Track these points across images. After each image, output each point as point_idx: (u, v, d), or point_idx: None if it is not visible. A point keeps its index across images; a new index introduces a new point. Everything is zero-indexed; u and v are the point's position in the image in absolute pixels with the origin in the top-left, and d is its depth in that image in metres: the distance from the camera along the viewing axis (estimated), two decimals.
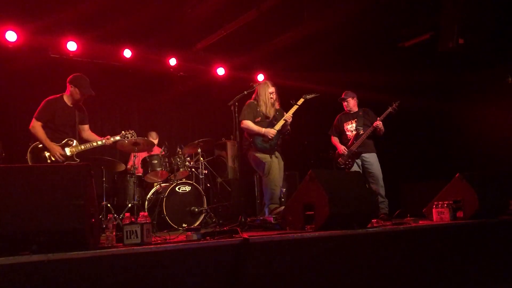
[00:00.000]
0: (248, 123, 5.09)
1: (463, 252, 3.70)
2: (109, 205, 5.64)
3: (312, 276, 2.92)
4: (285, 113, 5.22)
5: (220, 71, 8.32)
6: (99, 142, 4.72)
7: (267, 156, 5.06)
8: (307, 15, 6.67)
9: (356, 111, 5.90)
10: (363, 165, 5.70)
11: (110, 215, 2.94)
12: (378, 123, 5.60)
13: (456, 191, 4.25)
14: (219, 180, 7.27)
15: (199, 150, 6.52)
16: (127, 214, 2.93)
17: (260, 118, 5.16)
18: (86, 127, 4.87)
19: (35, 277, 2.09)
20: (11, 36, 6.30)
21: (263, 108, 5.16)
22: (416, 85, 6.65)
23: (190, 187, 5.89)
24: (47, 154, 4.46)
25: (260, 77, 8.13)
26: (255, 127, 5.07)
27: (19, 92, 6.60)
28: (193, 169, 6.46)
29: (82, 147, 4.64)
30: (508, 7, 5.48)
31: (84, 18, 6.35)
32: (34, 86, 6.71)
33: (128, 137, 5.05)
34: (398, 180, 6.55)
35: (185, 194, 5.82)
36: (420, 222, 3.98)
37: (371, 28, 6.72)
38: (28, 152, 4.42)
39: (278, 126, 5.13)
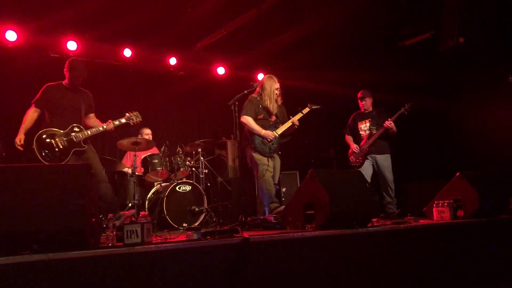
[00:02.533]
0: (249, 120, 5.05)
1: (463, 251, 3.70)
2: None
3: (312, 275, 2.92)
4: (291, 116, 5.22)
5: (220, 70, 8.33)
6: (100, 128, 4.61)
7: (264, 158, 5.03)
8: (307, 14, 6.67)
9: (371, 111, 6.03)
10: (376, 166, 5.87)
11: (110, 215, 2.94)
12: (389, 123, 5.72)
13: (456, 190, 4.25)
14: (219, 179, 7.27)
15: (200, 150, 6.52)
16: (128, 213, 2.92)
17: (262, 115, 5.13)
18: (92, 115, 4.78)
19: (35, 276, 2.09)
20: (11, 35, 6.30)
21: (267, 103, 5.11)
22: (416, 84, 6.65)
23: (190, 187, 5.89)
24: (53, 141, 4.37)
25: (260, 76, 8.14)
26: (256, 127, 5.04)
27: (19, 91, 6.59)
28: (193, 169, 6.46)
29: (89, 132, 4.53)
30: (509, 6, 5.47)
31: (84, 17, 6.35)
32: (34, 86, 6.67)
33: (133, 119, 4.86)
34: (398, 180, 6.55)
35: (185, 193, 5.82)
36: (421, 221, 3.98)
37: (371, 27, 6.72)
38: (34, 141, 4.32)
39: (280, 130, 5.11)
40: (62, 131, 4.44)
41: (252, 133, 5.06)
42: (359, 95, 6.09)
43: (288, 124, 5.14)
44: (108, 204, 4.45)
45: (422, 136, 6.74)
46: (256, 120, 5.09)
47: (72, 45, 6.75)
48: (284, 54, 7.56)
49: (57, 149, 4.36)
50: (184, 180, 5.99)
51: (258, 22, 6.75)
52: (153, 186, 6.14)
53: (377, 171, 5.85)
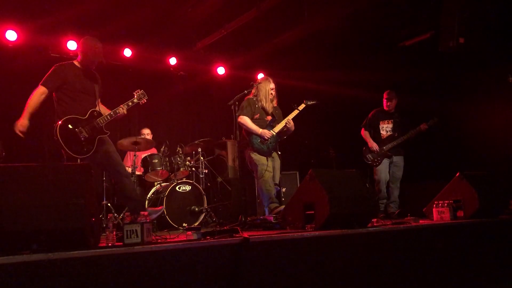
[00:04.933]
0: (246, 120, 5.08)
1: (463, 251, 3.70)
2: (109, 204, 5.65)
3: (312, 276, 2.92)
4: (282, 116, 5.24)
5: (220, 70, 8.33)
6: (117, 111, 4.17)
7: (263, 158, 5.04)
8: (307, 15, 6.68)
9: (393, 112, 6.08)
10: (390, 166, 5.97)
11: (110, 215, 2.94)
12: (424, 128, 5.87)
13: (456, 191, 4.25)
14: (219, 179, 7.26)
15: (199, 150, 6.52)
16: (128, 214, 2.93)
17: (258, 115, 5.15)
18: (99, 100, 4.29)
19: (35, 276, 2.09)
20: (11, 35, 6.31)
21: (263, 102, 5.15)
22: (417, 85, 6.65)
23: (190, 187, 5.89)
24: (77, 130, 3.90)
25: (260, 76, 8.13)
26: (253, 126, 5.06)
27: (19, 91, 6.57)
28: (193, 169, 6.46)
29: (108, 117, 4.10)
30: (509, 6, 5.47)
31: (85, 17, 6.35)
32: (34, 86, 6.67)
33: (141, 98, 4.41)
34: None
35: (185, 193, 5.82)
36: (421, 221, 3.98)
37: (371, 27, 6.73)
38: (57, 132, 3.82)
39: (277, 128, 5.12)
40: (83, 118, 3.97)
41: (249, 133, 5.08)
42: (385, 95, 6.10)
43: (284, 122, 5.16)
44: (136, 203, 3.99)
45: (422, 136, 6.74)
46: (252, 120, 5.12)
47: (72, 45, 6.76)
48: (284, 54, 7.57)
49: (82, 139, 3.90)
50: (184, 180, 5.99)
51: (258, 22, 6.76)
52: (153, 186, 6.14)
53: (392, 173, 5.96)
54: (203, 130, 8.47)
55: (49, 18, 6.17)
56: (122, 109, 4.21)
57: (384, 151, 5.93)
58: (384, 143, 5.97)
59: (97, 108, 4.15)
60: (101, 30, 6.53)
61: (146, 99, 4.48)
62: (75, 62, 4.19)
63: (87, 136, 3.93)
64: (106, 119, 4.10)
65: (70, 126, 3.88)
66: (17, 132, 3.86)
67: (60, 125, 3.86)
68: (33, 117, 3.98)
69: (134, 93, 4.43)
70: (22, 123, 3.87)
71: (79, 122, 3.95)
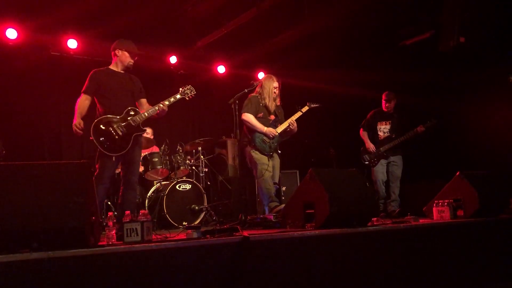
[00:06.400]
0: (250, 117, 5.07)
1: (463, 251, 3.70)
2: (109, 203, 5.65)
3: (312, 275, 2.92)
4: (284, 116, 5.24)
5: (221, 69, 8.32)
6: (156, 108, 4.21)
7: (264, 157, 5.03)
8: (308, 13, 6.67)
9: (392, 113, 6.09)
10: (389, 166, 6.00)
11: (110, 213, 2.94)
12: (421, 130, 5.86)
13: (456, 190, 4.25)
14: (219, 178, 7.27)
15: (200, 148, 6.52)
16: (127, 212, 2.92)
17: (262, 114, 5.15)
18: (144, 101, 4.39)
19: (35, 275, 2.09)
20: (11, 33, 6.30)
21: (266, 101, 5.14)
22: (417, 84, 6.64)
23: (190, 185, 5.90)
24: (111, 129, 3.99)
25: (261, 75, 8.14)
26: (258, 124, 5.05)
27: (19, 90, 6.59)
28: (193, 167, 6.46)
29: (146, 114, 4.16)
30: (509, 6, 5.46)
31: (85, 15, 6.35)
32: (34, 84, 6.71)
33: (187, 93, 4.43)
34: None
35: (185, 192, 5.83)
36: (421, 220, 3.98)
37: (371, 26, 6.72)
38: (91, 132, 3.95)
39: (280, 128, 5.12)
40: (118, 117, 4.07)
41: (252, 131, 5.07)
42: (384, 96, 6.12)
43: (287, 123, 5.16)
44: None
45: (422, 135, 6.74)
46: (256, 118, 5.11)
47: (72, 43, 6.75)
48: (284, 53, 7.56)
49: (117, 137, 3.99)
50: (184, 178, 5.99)
51: (258, 21, 6.75)
52: (153, 185, 6.14)
53: (391, 172, 5.98)
54: (203, 128, 8.46)
55: (50, 16, 6.15)
56: (162, 106, 4.24)
57: (381, 152, 5.96)
58: (381, 144, 5.99)
59: (135, 106, 4.25)
60: (101, 28, 6.55)
61: (194, 94, 4.48)
62: (110, 66, 4.36)
63: (121, 134, 4.02)
64: (144, 117, 4.16)
65: (102, 126, 4.01)
66: (77, 130, 4.03)
67: (94, 126, 4.00)
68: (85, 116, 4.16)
69: (180, 89, 4.46)
70: (77, 122, 4.05)
71: (113, 121, 4.05)
